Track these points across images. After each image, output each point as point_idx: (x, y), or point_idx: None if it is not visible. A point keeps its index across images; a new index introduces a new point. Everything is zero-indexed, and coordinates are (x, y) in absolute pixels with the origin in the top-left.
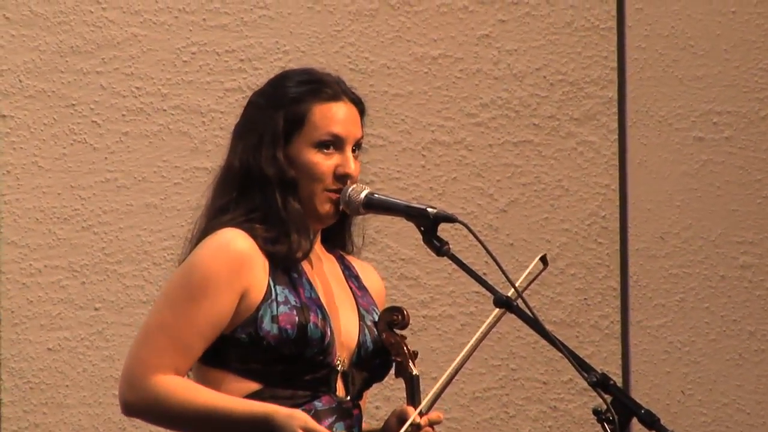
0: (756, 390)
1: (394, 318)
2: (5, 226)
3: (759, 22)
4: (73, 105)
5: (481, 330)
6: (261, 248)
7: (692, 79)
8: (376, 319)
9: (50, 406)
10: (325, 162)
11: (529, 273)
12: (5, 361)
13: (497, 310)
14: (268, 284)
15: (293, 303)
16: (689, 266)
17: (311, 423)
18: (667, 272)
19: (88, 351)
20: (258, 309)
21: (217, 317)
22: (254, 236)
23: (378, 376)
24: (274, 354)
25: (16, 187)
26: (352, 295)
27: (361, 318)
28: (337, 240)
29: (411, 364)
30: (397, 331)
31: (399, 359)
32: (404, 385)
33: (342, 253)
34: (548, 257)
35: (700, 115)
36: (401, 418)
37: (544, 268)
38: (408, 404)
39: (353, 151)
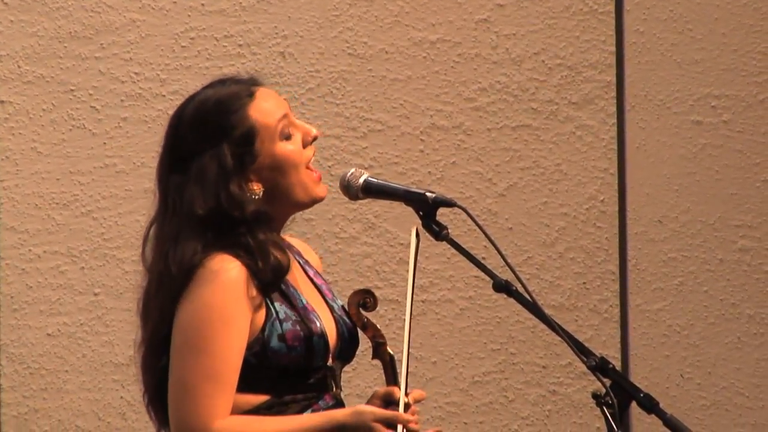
0: (755, 373)
1: (367, 301)
2: (4, 212)
3: (757, 5)
4: (72, 90)
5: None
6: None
7: (690, 63)
8: (340, 303)
9: (50, 391)
10: (293, 145)
11: (413, 251)
12: (5, 346)
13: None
14: (266, 303)
15: (294, 318)
16: (688, 250)
17: (378, 412)
18: (665, 256)
19: (88, 336)
20: (263, 330)
21: (243, 345)
22: (242, 263)
23: (349, 361)
24: (283, 370)
25: (15, 173)
26: (315, 287)
27: (332, 309)
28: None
29: (387, 344)
30: (366, 313)
31: (381, 341)
32: (383, 366)
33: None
34: (546, 241)
35: (698, 98)
36: (386, 399)
37: (418, 242)
38: (390, 385)
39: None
